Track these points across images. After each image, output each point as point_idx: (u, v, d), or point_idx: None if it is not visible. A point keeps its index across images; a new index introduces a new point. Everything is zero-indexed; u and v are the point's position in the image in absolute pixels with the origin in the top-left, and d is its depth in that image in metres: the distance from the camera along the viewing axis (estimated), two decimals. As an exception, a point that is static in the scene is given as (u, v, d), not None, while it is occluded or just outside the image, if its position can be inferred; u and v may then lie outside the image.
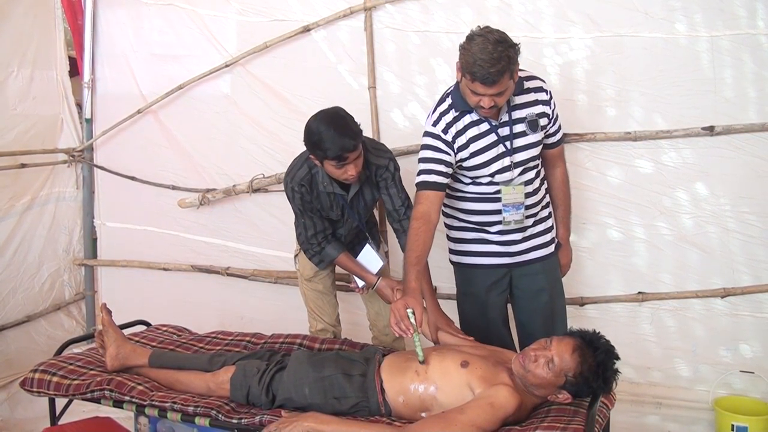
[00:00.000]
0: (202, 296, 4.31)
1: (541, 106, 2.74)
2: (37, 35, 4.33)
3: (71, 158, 4.52)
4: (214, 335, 3.25)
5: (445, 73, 3.52)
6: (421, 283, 2.75)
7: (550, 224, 2.95)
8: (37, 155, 4.32)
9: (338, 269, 3.29)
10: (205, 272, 4.28)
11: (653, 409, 3.46)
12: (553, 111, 2.79)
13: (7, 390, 3.92)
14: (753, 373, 3.32)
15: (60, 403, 2.93)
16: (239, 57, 3.97)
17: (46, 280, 4.45)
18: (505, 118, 2.69)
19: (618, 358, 2.30)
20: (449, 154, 2.68)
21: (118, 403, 2.63)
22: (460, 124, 2.68)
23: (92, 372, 2.79)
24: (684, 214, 3.35)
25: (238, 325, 3.84)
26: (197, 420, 2.47)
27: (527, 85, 2.72)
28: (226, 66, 4.01)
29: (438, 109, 2.73)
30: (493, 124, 2.68)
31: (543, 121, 2.75)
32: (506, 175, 2.73)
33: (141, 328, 3.40)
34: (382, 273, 3.09)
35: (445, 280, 3.20)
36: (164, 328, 3.40)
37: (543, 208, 2.91)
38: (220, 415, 2.45)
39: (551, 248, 2.94)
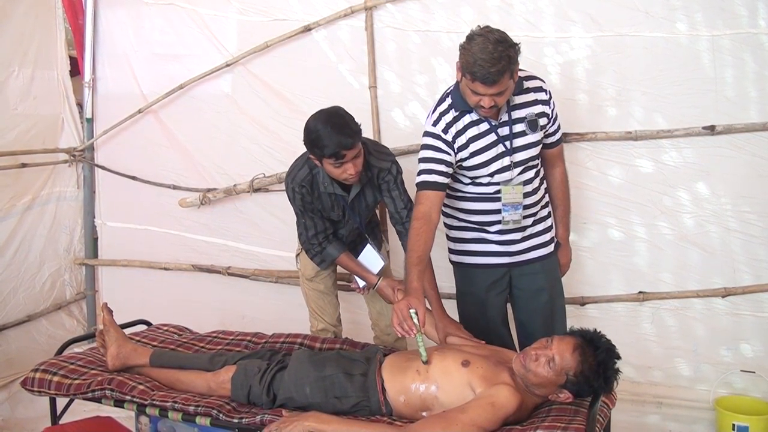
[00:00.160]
0: (203, 296, 4.31)
1: (540, 105, 2.74)
2: (38, 35, 4.33)
3: (72, 158, 4.52)
4: (214, 335, 3.25)
5: (445, 72, 3.52)
6: (426, 287, 2.76)
7: (550, 224, 2.95)
8: (38, 155, 4.32)
9: (340, 269, 3.29)
10: (206, 272, 4.28)
11: (654, 408, 3.46)
12: (552, 111, 2.79)
13: (8, 389, 3.92)
14: (754, 372, 3.32)
15: (61, 402, 2.93)
16: (240, 56, 3.97)
17: (47, 280, 4.45)
18: (504, 117, 2.69)
19: (619, 357, 2.30)
20: (449, 154, 2.68)
21: (119, 403, 2.64)
22: (460, 124, 2.68)
23: (93, 371, 2.79)
24: (685, 213, 3.35)
25: (238, 324, 3.84)
26: (198, 419, 2.47)
27: (527, 84, 2.72)
28: (227, 65, 4.01)
29: (438, 108, 2.73)
30: (493, 123, 2.68)
31: (542, 121, 2.74)
32: (506, 175, 2.73)
33: (142, 327, 3.40)
34: (383, 273, 3.09)
35: (444, 279, 3.20)
36: (165, 328, 3.40)
37: (542, 207, 2.91)
38: (221, 415, 2.45)
39: (551, 248, 2.94)
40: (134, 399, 2.59)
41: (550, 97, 2.77)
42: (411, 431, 2.24)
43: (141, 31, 4.31)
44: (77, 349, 3.24)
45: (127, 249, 4.54)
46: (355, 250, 3.12)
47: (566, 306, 3.09)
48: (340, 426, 2.30)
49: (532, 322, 2.95)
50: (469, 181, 2.79)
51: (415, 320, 2.43)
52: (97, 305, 4.59)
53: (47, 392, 2.74)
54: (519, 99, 2.69)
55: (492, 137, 2.68)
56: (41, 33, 4.36)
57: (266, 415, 2.43)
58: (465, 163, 2.71)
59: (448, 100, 2.70)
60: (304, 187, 2.88)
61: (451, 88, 2.73)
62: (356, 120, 2.73)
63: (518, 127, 2.70)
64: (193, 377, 2.70)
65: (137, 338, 3.15)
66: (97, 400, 2.69)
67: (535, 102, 2.73)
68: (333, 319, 3.29)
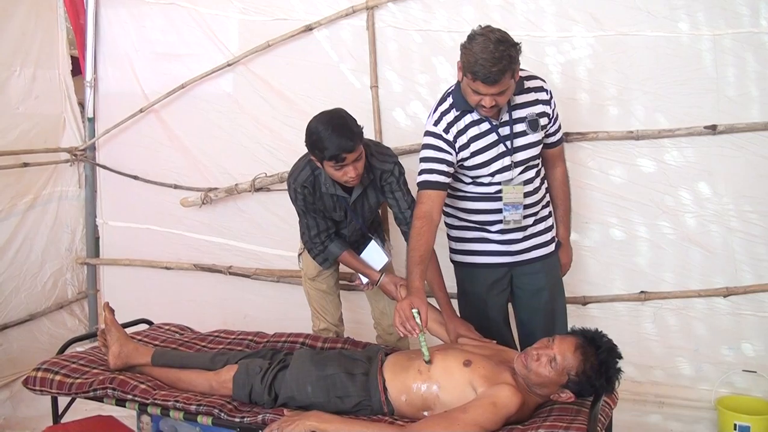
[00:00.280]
0: (205, 295, 4.31)
1: (541, 105, 2.73)
2: (39, 35, 4.33)
3: (74, 157, 4.52)
4: (216, 334, 3.25)
5: (446, 71, 3.52)
6: (435, 289, 2.79)
7: (551, 223, 2.95)
8: (40, 154, 4.32)
9: (342, 268, 3.29)
10: (208, 271, 4.29)
11: (655, 408, 3.46)
12: (553, 111, 2.78)
13: (10, 388, 3.92)
14: (755, 372, 3.32)
15: (62, 401, 2.93)
16: (241, 56, 3.97)
17: (49, 279, 4.46)
18: (505, 117, 2.69)
19: (620, 357, 2.30)
20: (450, 154, 2.68)
21: (120, 402, 2.64)
22: (461, 124, 2.68)
23: (95, 371, 2.80)
24: (686, 213, 3.35)
25: (240, 324, 3.84)
26: (200, 419, 2.48)
27: (528, 84, 2.72)
28: (229, 65, 4.02)
29: (439, 108, 2.72)
30: (494, 123, 2.68)
31: (543, 121, 2.74)
32: (506, 175, 2.73)
33: (143, 326, 3.40)
34: (386, 269, 3.09)
35: (446, 279, 3.20)
36: (167, 327, 3.40)
37: (543, 207, 2.90)
38: (222, 414, 2.46)
39: (551, 247, 2.94)
40: (136, 398, 2.59)
41: (551, 97, 2.77)
42: (412, 431, 2.24)
43: (142, 30, 4.31)
44: (79, 348, 3.25)
45: (129, 248, 4.54)
46: (358, 249, 3.12)
47: (568, 305, 3.09)
48: (341, 425, 2.30)
49: (533, 322, 2.95)
50: (470, 180, 2.79)
51: (418, 320, 2.43)
52: (99, 304, 4.59)
53: (49, 391, 2.74)
54: (520, 99, 2.69)
55: (493, 137, 2.68)
56: (43, 32, 4.36)
57: (268, 415, 2.43)
58: (466, 163, 2.71)
59: (449, 100, 2.70)
60: (306, 187, 2.88)
61: (452, 87, 2.73)
62: (358, 122, 2.72)
63: (519, 127, 2.70)
64: (195, 376, 2.70)
65: (139, 337, 3.15)
66: (99, 399, 2.69)
67: (536, 102, 2.72)
68: (335, 319, 3.29)
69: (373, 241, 3.10)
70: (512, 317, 3.07)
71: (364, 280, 3.12)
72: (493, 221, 2.80)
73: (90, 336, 3.57)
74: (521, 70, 2.61)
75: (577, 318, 3.35)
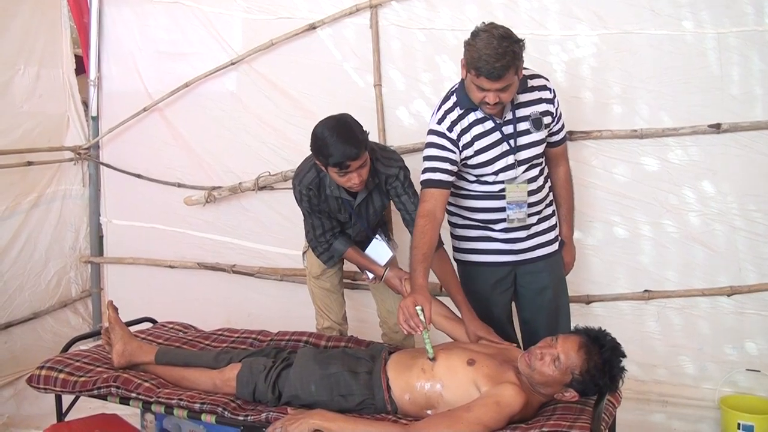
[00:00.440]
0: (209, 293, 4.32)
1: (545, 104, 2.73)
2: (43, 33, 4.33)
3: (77, 156, 4.53)
4: (220, 332, 3.26)
5: (450, 70, 3.51)
6: (453, 292, 2.79)
7: (554, 222, 2.95)
8: (44, 153, 4.33)
9: (346, 266, 3.30)
10: (211, 270, 4.29)
11: (659, 407, 3.45)
12: (556, 110, 2.78)
13: (14, 386, 3.94)
14: (759, 371, 3.32)
15: (66, 399, 2.93)
16: (245, 55, 3.97)
17: (53, 278, 4.46)
18: (509, 116, 2.68)
19: (624, 356, 2.30)
20: (454, 152, 2.68)
21: (124, 400, 2.64)
22: (464, 122, 2.67)
23: (99, 369, 2.80)
24: (690, 211, 3.34)
25: (244, 322, 3.84)
26: (203, 417, 2.48)
27: (531, 83, 2.72)
28: (232, 64, 4.02)
29: (443, 107, 2.72)
30: (497, 122, 2.68)
31: (547, 120, 2.74)
32: (510, 173, 2.73)
33: (147, 325, 3.41)
34: (390, 264, 3.09)
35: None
36: (170, 326, 3.41)
37: (547, 206, 2.90)
38: (226, 412, 2.46)
39: (555, 246, 2.94)
40: (140, 396, 2.59)
41: (555, 96, 2.76)
42: (416, 429, 2.24)
43: (146, 29, 4.31)
44: (83, 346, 3.26)
45: (133, 247, 4.54)
46: (363, 248, 3.11)
47: (571, 304, 3.09)
48: (345, 424, 2.30)
49: (536, 321, 2.95)
50: (474, 179, 2.79)
51: (421, 317, 2.43)
52: (103, 303, 4.59)
53: (53, 389, 2.75)
54: (523, 97, 2.69)
55: (496, 135, 2.68)
56: (46, 31, 4.36)
57: (271, 413, 2.43)
58: (470, 161, 2.71)
59: (453, 98, 2.70)
60: (311, 189, 2.88)
61: (456, 86, 2.73)
62: (364, 127, 2.72)
63: (522, 126, 2.70)
64: (199, 375, 2.71)
65: (143, 336, 3.16)
66: (103, 398, 2.69)
67: (540, 101, 2.72)
68: (339, 318, 3.30)
69: (377, 237, 3.10)
70: (515, 316, 3.06)
71: (370, 275, 3.12)
72: (497, 220, 2.80)
73: (94, 334, 3.58)
74: (525, 68, 2.61)
75: (580, 317, 3.34)
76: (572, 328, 2.50)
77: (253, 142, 4.06)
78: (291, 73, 3.92)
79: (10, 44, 4.12)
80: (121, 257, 4.58)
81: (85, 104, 4.59)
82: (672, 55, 3.24)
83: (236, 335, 3.20)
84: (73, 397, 2.89)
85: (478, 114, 2.67)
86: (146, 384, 2.64)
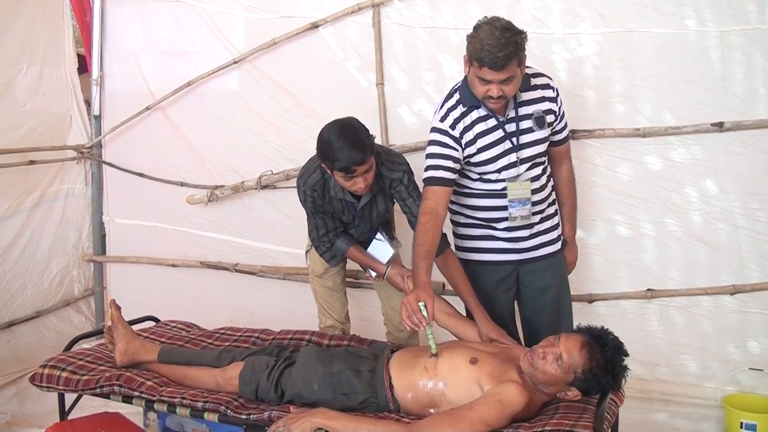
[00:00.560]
0: (211, 292, 4.32)
1: (548, 102, 2.73)
2: (45, 32, 4.33)
3: (80, 155, 4.53)
4: (222, 331, 3.26)
5: (452, 69, 3.51)
6: (464, 294, 2.77)
7: (557, 221, 2.95)
8: (46, 152, 4.33)
9: (349, 266, 3.30)
10: (214, 268, 4.29)
11: (662, 406, 3.45)
12: (559, 108, 2.78)
13: (17, 385, 3.94)
14: (762, 370, 3.32)
15: (69, 398, 2.93)
16: (247, 54, 3.97)
17: (56, 276, 4.47)
18: (511, 114, 2.68)
19: (627, 355, 2.30)
20: (457, 150, 2.68)
21: (127, 399, 2.64)
22: (467, 120, 2.67)
23: (101, 367, 2.80)
24: (693, 210, 3.34)
25: (246, 321, 3.85)
26: (206, 415, 2.48)
27: (534, 81, 2.71)
28: (234, 62, 4.02)
29: (446, 104, 2.72)
30: (500, 119, 2.67)
31: (550, 118, 2.74)
32: (512, 171, 2.72)
33: (150, 324, 3.41)
34: (393, 262, 3.08)
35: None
36: (173, 324, 3.41)
37: (550, 205, 2.90)
38: (229, 411, 2.46)
39: (558, 245, 2.93)
40: (142, 395, 2.60)
41: (558, 95, 2.76)
42: (418, 428, 2.24)
43: (148, 28, 4.32)
44: (85, 345, 3.26)
45: (135, 246, 4.55)
46: (365, 247, 3.11)
47: (574, 303, 3.09)
48: (347, 422, 2.30)
49: (538, 320, 2.94)
50: (477, 177, 2.79)
51: (424, 313, 2.43)
52: (106, 302, 4.59)
53: (56, 388, 2.75)
54: (526, 96, 2.69)
55: (499, 133, 2.68)
56: (49, 30, 4.37)
57: (274, 412, 2.44)
58: (472, 159, 2.71)
59: (456, 96, 2.70)
60: (315, 191, 2.88)
61: (459, 83, 2.72)
62: (370, 132, 2.71)
63: (525, 124, 2.70)
64: (201, 373, 2.71)
65: (145, 335, 3.16)
66: (106, 396, 2.70)
67: (543, 99, 2.72)
68: (341, 316, 3.30)
69: (378, 234, 3.09)
70: (517, 315, 3.06)
71: (372, 274, 3.12)
72: (500, 218, 2.80)
73: (96, 333, 3.58)
74: (528, 67, 2.61)
75: (583, 316, 3.34)
76: (575, 327, 2.50)
77: (255, 140, 4.06)
78: (293, 71, 3.92)
79: (13, 43, 4.13)
80: (124, 256, 4.59)
81: (88, 103, 4.59)
82: (675, 53, 3.24)
83: (239, 334, 3.20)
84: (75, 395, 2.89)
85: (481, 112, 2.66)
86: (149, 383, 2.64)
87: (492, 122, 2.67)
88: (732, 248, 3.32)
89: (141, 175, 4.41)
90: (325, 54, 3.82)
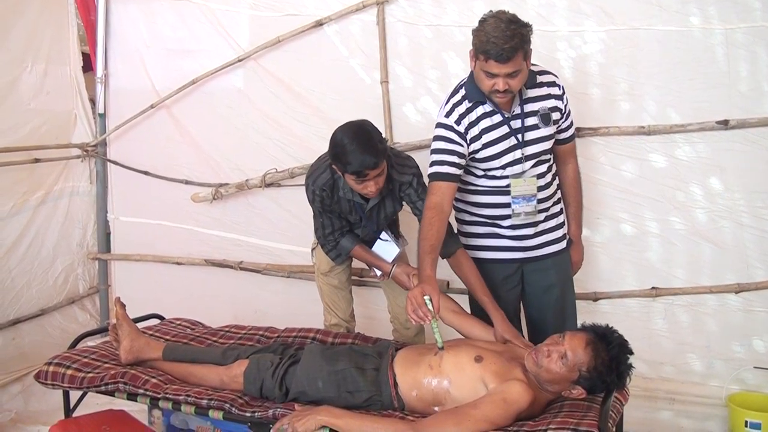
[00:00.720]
0: (216, 290, 4.33)
1: (553, 100, 2.73)
2: (50, 31, 4.35)
3: (85, 153, 4.54)
4: (227, 329, 3.26)
5: (457, 66, 3.51)
6: (480, 295, 2.73)
7: (562, 220, 2.94)
8: (51, 150, 4.35)
9: (354, 263, 3.30)
10: (219, 266, 4.30)
11: (666, 404, 3.45)
12: (565, 106, 2.78)
13: (22, 382, 3.95)
14: (767, 369, 3.30)
15: (74, 395, 2.94)
16: (252, 51, 3.98)
17: (60, 274, 4.48)
18: (517, 110, 2.68)
19: (631, 353, 2.30)
20: (462, 146, 2.67)
21: (132, 396, 2.65)
22: (473, 115, 2.67)
23: (106, 365, 2.80)
24: (698, 208, 3.33)
25: (251, 319, 3.85)
26: (211, 413, 2.49)
27: (540, 79, 2.71)
28: (239, 61, 4.02)
29: (451, 100, 2.72)
30: (506, 116, 2.67)
31: (555, 116, 2.73)
32: (517, 168, 2.72)
33: (155, 321, 3.41)
34: (398, 260, 3.08)
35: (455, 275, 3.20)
36: (178, 322, 3.41)
37: (555, 203, 2.89)
38: (233, 409, 2.46)
39: (563, 244, 2.93)
40: (147, 392, 2.60)
41: (564, 93, 2.76)
42: (423, 426, 2.24)
43: (153, 26, 4.32)
44: (90, 342, 3.26)
45: (140, 243, 4.56)
46: (371, 246, 3.11)
47: (579, 301, 3.08)
48: (352, 420, 2.30)
49: (542, 318, 2.94)
50: (482, 173, 2.78)
51: (430, 306, 2.42)
52: (110, 299, 4.61)
53: (60, 385, 2.75)
54: (532, 92, 2.69)
55: (504, 129, 2.68)
56: (54, 29, 4.38)
57: (279, 409, 2.44)
58: (477, 155, 2.70)
59: (462, 91, 2.69)
60: (324, 190, 2.88)
61: (465, 79, 2.72)
62: (383, 135, 2.71)
63: (530, 121, 2.69)
64: (206, 371, 2.71)
65: (150, 332, 3.16)
66: (110, 394, 2.70)
67: (548, 96, 2.72)
68: (346, 315, 3.30)
69: (383, 233, 3.09)
70: (522, 313, 3.06)
71: (378, 272, 3.12)
72: (505, 215, 2.79)
73: (101, 331, 3.57)
74: (533, 65, 2.61)
75: (587, 314, 3.33)
76: (579, 325, 2.49)
77: (260, 138, 4.06)
78: (298, 69, 3.92)
79: (18, 42, 4.14)
80: (129, 254, 4.60)
81: (92, 101, 4.60)
82: (679, 51, 3.23)
83: (243, 332, 3.21)
84: (80, 393, 2.91)
85: (487, 107, 2.66)
86: (154, 380, 2.64)
87: (497, 118, 2.67)
88: (737, 246, 3.31)
89: (146, 173, 4.42)
90: (330, 52, 3.82)
